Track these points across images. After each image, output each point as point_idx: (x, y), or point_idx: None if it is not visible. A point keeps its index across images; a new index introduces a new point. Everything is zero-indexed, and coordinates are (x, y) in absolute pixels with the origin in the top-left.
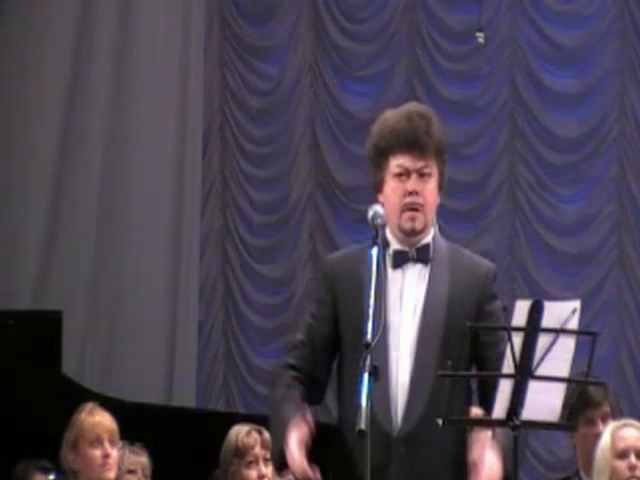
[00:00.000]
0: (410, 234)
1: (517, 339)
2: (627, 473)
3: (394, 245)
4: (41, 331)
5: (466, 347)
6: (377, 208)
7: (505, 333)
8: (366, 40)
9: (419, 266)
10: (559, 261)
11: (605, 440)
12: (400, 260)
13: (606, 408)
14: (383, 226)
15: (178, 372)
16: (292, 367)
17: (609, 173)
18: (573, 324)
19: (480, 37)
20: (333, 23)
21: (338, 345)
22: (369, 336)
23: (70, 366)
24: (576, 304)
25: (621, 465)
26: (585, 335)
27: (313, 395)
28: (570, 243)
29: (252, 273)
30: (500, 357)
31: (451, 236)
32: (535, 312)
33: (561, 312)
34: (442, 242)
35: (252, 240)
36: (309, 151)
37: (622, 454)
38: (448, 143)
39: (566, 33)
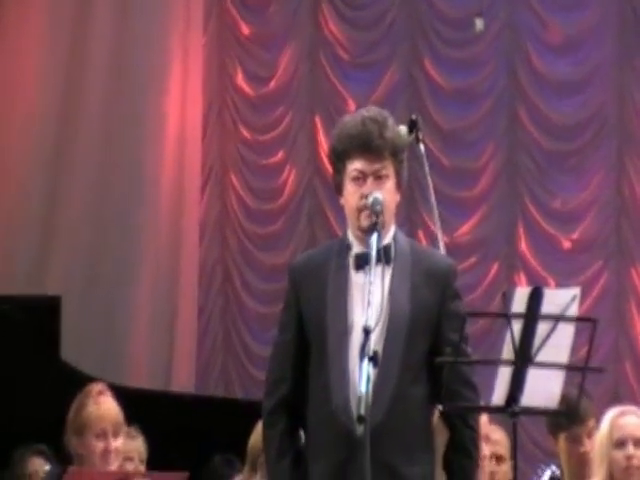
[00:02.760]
0: (369, 231)
1: (517, 326)
2: (624, 463)
3: (356, 248)
4: (40, 316)
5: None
6: (377, 195)
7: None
8: (365, 27)
9: (381, 267)
10: (558, 248)
11: (603, 429)
12: (362, 262)
13: (592, 424)
14: (382, 212)
15: (177, 358)
16: (277, 411)
17: (608, 160)
18: (572, 311)
19: (479, 23)
20: (332, 10)
21: (307, 348)
22: (369, 322)
23: (69, 352)
24: (575, 291)
25: (618, 455)
26: (584, 322)
27: (299, 415)
28: (569, 230)
29: (251, 259)
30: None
31: (451, 223)
32: (535, 299)
33: (560, 299)
34: (403, 241)
35: (251, 226)
36: (308, 138)
37: (620, 443)
38: (447, 130)
39: (565, 20)
